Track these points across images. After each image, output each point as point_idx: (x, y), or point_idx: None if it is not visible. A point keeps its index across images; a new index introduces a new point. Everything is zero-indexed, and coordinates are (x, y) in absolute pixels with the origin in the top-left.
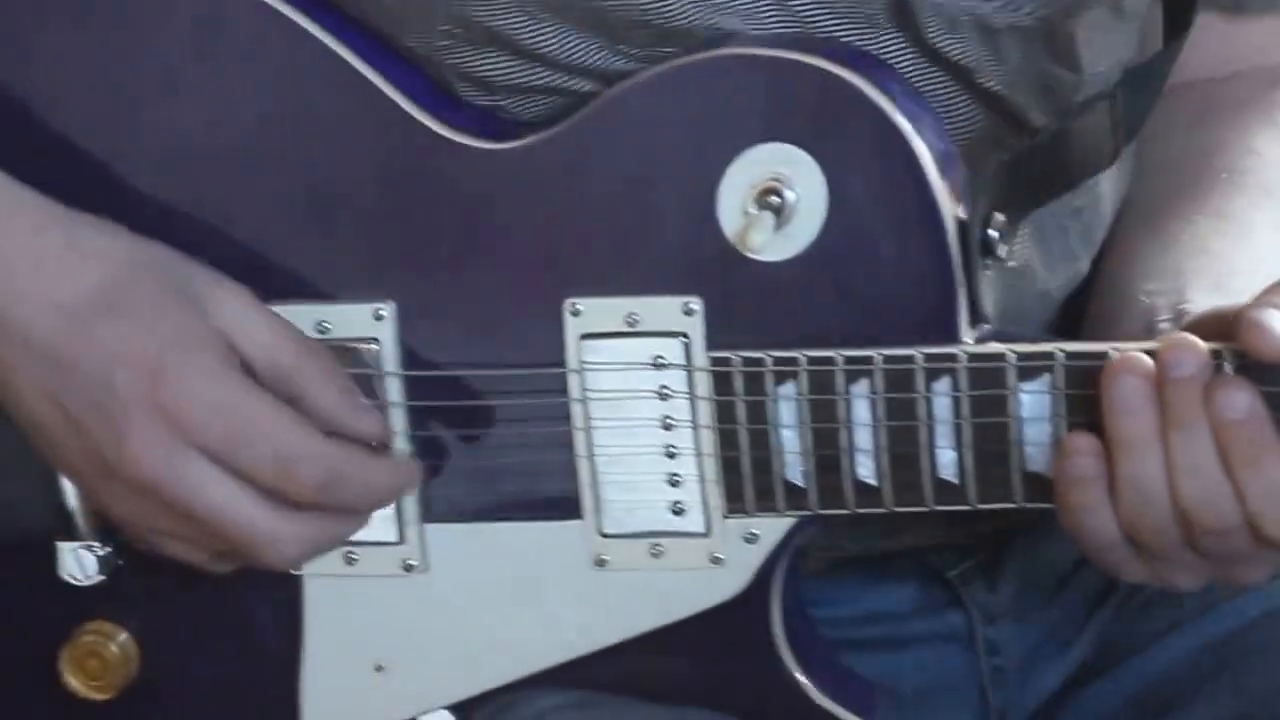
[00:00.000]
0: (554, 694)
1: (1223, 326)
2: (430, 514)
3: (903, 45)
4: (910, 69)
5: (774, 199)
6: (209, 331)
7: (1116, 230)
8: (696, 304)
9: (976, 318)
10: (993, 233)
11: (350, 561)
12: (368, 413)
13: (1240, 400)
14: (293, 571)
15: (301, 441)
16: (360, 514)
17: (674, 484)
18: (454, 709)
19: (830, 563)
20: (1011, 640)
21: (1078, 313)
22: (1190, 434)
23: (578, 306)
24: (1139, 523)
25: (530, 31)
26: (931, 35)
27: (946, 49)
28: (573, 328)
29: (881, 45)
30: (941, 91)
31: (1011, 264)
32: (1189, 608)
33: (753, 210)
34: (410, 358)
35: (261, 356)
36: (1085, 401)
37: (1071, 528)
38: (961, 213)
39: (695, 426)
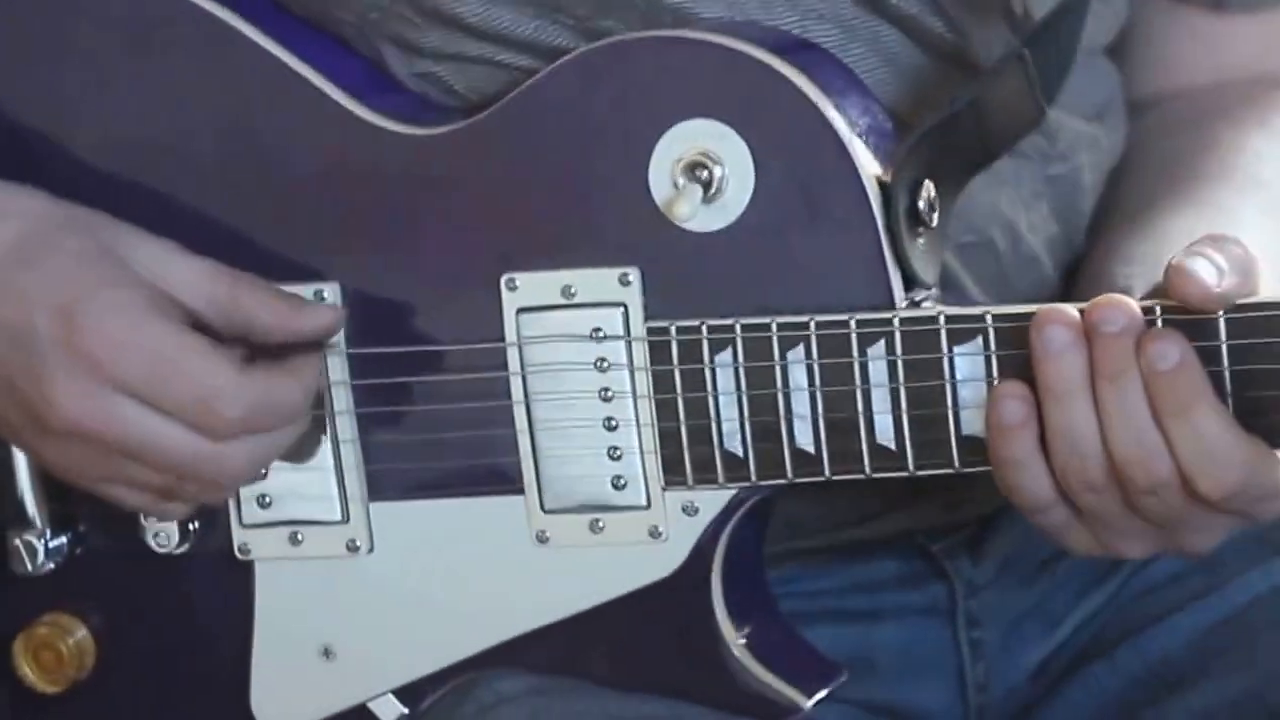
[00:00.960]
0: (511, 678)
1: None
2: (374, 493)
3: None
4: (855, 22)
5: (702, 172)
6: (130, 278)
7: (1100, 228)
8: (633, 274)
9: (913, 283)
10: (921, 203)
11: (295, 542)
12: (315, 311)
13: (1171, 351)
14: (240, 556)
15: (218, 378)
16: (292, 424)
17: (614, 457)
18: (403, 694)
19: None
20: (993, 613)
21: None
22: (1121, 385)
23: (515, 281)
24: (1071, 477)
25: (464, 3)
26: None
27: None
28: (510, 302)
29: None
30: (886, 46)
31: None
32: (1194, 588)
33: (682, 182)
34: (353, 336)
35: (195, 296)
36: (1017, 362)
37: (1007, 487)
38: (885, 178)
39: (634, 397)
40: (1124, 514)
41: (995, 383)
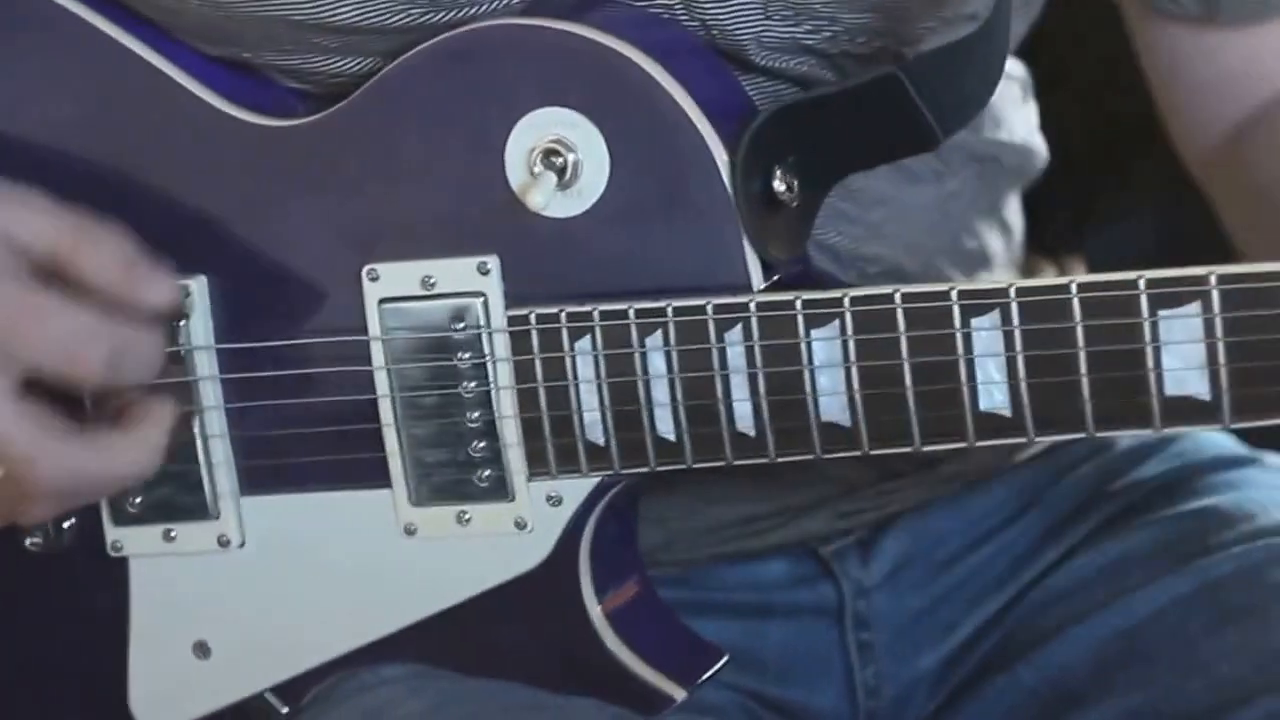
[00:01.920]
0: (387, 667)
1: None
2: (246, 487)
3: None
4: (750, 84)
5: (556, 159)
6: None
7: None
8: (492, 263)
9: (772, 267)
10: (777, 184)
11: (168, 538)
12: (154, 281)
13: None
14: (113, 553)
15: (79, 322)
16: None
17: (477, 449)
18: (281, 691)
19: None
20: (883, 616)
21: None
22: None
23: (375, 272)
24: None
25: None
26: (761, 62)
27: (778, 68)
28: (371, 293)
29: None
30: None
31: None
32: (1095, 600)
33: (538, 170)
34: (221, 331)
35: (38, 244)
36: (875, 346)
37: None
38: (737, 159)
39: (495, 387)
40: None
41: (851, 365)
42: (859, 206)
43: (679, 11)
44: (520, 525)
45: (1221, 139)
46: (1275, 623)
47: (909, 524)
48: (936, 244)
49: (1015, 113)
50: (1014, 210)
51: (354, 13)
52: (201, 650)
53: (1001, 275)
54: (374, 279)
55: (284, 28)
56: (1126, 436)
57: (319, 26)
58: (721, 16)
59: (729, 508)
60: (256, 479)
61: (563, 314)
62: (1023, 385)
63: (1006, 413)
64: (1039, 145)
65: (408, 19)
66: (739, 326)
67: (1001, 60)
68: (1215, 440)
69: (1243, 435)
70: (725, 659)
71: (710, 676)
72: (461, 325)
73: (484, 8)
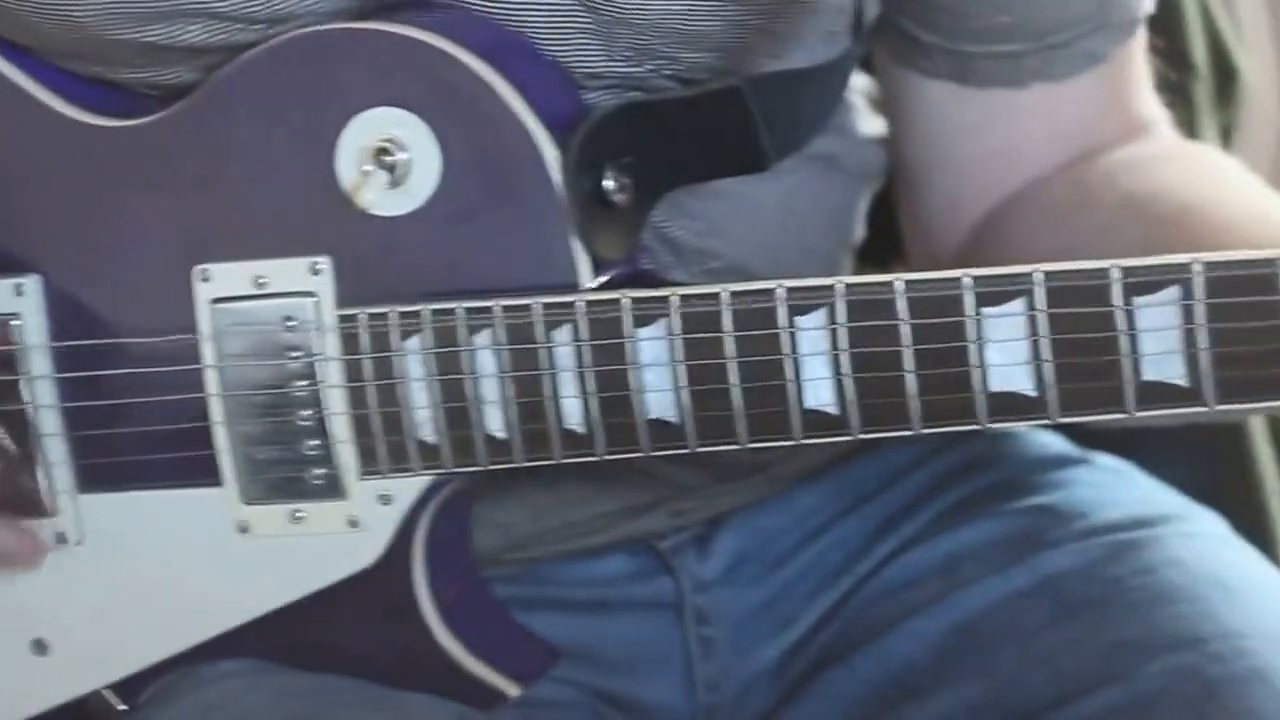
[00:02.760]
0: (225, 663)
1: None
2: (83, 485)
3: None
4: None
5: (387, 158)
6: None
7: None
8: (323, 263)
9: (602, 266)
10: (608, 183)
11: None
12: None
13: None
14: None
15: None
16: None
17: (309, 447)
18: (119, 688)
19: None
20: (723, 611)
21: None
22: None
23: (207, 272)
24: None
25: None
26: (598, 88)
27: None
28: (203, 293)
29: None
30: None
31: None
32: (932, 593)
33: (369, 168)
34: (56, 330)
35: None
36: (702, 345)
37: None
38: (567, 158)
39: (326, 386)
40: None
41: (679, 364)
42: (701, 200)
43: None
44: (353, 524)
45: (975, 222)
46: (1114, 617)
47: (743, 520)
48: (778, 241)
49: (857, 119)
50: (858, 212)
51: (200, 36)
52: (39, 647)
53: (841, 271)
54: (206, 279)
55: (137, 49)
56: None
57: (169, 48)
58: (562, 54)
59: (567, 511)
60: (94, 477)
61: (393, 313)
62: (848, 383)
63: (833, 410)
64: (880, 150)
65: (253, 36)
66: (567, 325)
67: (838, 96)
68: (1047, 440)
69: (1073, 436)
70: (558, 661)
71: (544, 674)
72: (293, 324)
73: (321, 19)
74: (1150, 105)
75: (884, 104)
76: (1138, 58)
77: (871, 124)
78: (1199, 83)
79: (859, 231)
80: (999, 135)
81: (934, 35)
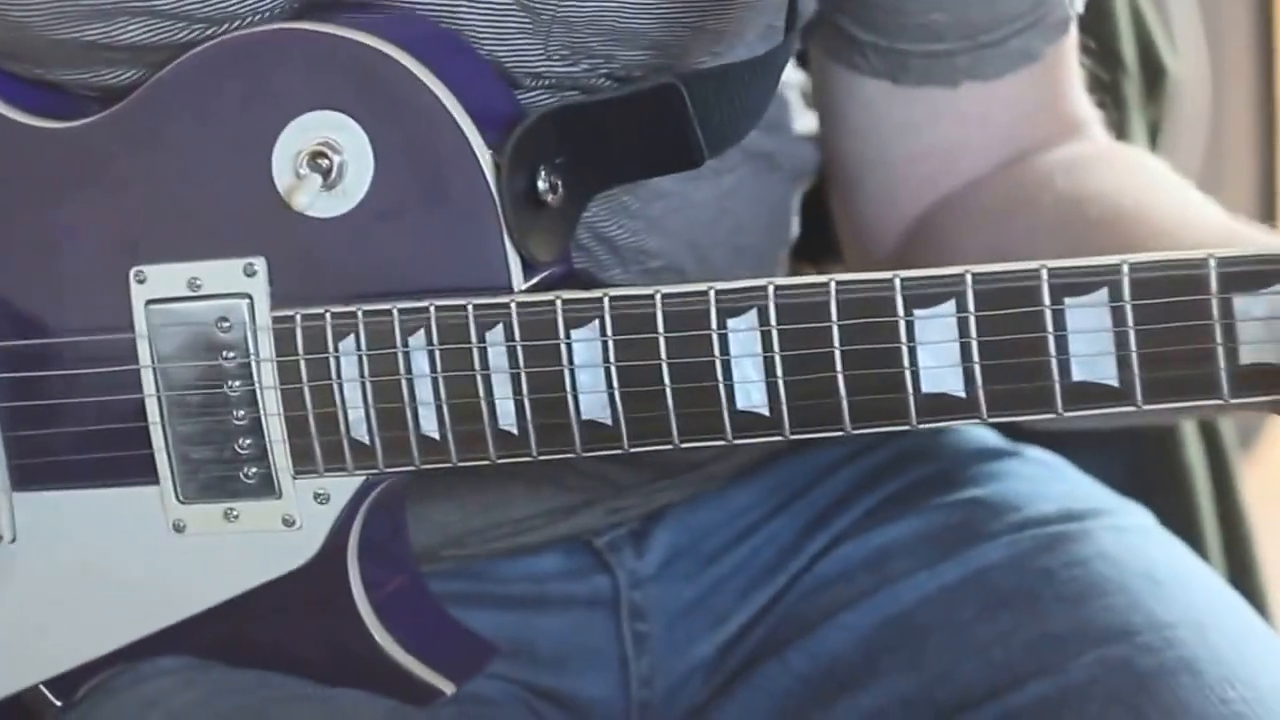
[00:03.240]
0: (162, 660)
1: None
2: (18, 483)
3: None
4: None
5: (323, 161)
6: None
7: None
8: (258, 265)
9: (535, 268)
10: (541, 184)
11: None
12: None
13: None
14: None
15: None
16: None
17: (244, 446)
18: (54, 685)
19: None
20: (658, 607)
21: None
22: None
23: (143, 273)
24: None
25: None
26: (534, 87)
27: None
28: (139, 294)
29: None
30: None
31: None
32: (863, 587)
33: (304, 171)
34: None
35: None
36: (635, 346)
37: None
38: (500, 160)
39: (261, 387)
40: None
41: (611, 365)
42: (639, 200)
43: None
44: (288, 522)
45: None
46: (1045, 609)
47: (677, 517)
48: (715, 240)
49: (793, 116)
50: (792, 210)
51: (140, 34)
52: None
53: (775, 268)
54: (141, 280)
55: (77, 48)
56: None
57: (110, 45)
58: (500, 53)
59: (503, 509)
60: (29, 475)
61: (327, 314)
62: (780, 384)
63: (764, 411)
64: (814, 148)
65: (193, 35)
66: (500, 326)
67: (773, 90)
68: (978, 434)
69: (1004, 429)
70: (494, 658)
71: (480, 671)
72: (227, 325)
73: (262, 18)
74: (1083, 105)
75: (818, 102)
76: (1070, 58)
77: (806, 121)
78: (1129, 81)
79: (794, 229)
80: (933, 135)
81: (870, 33)
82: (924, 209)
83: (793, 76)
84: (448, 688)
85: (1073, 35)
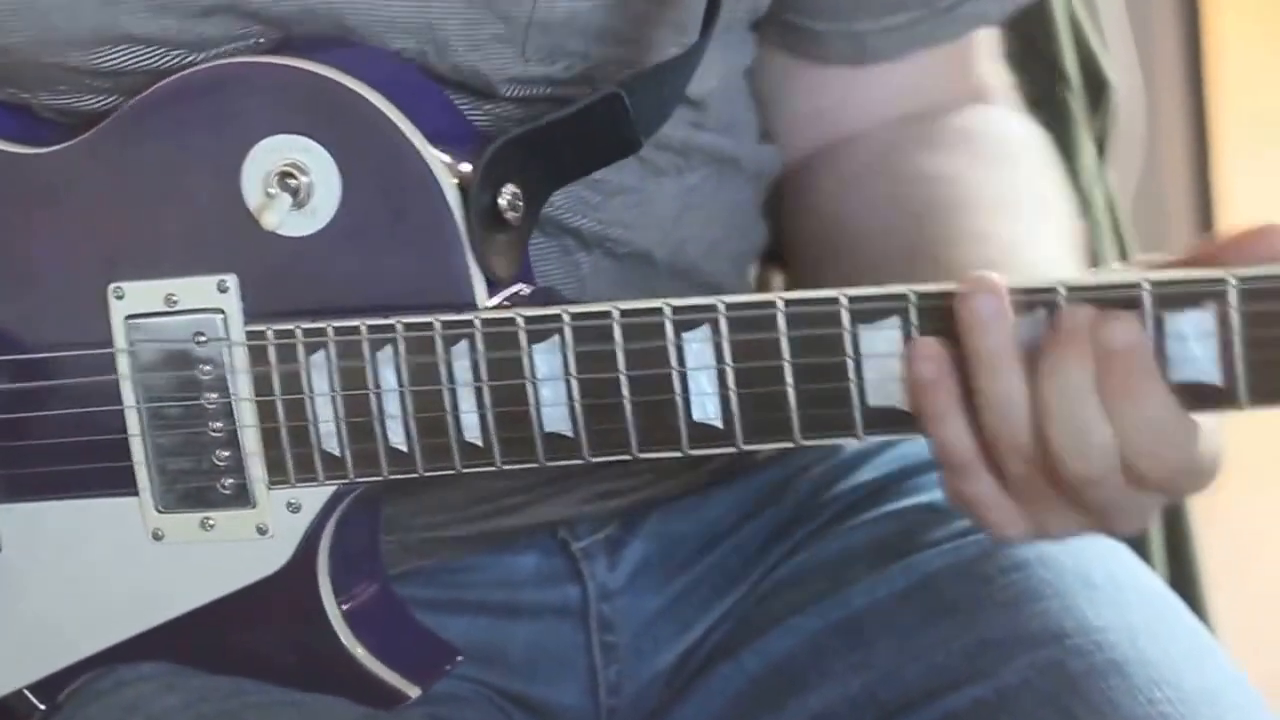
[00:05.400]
0: (144, 665)
1: None
2: (2, 495)
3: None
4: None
5: (291, 181)
6: None
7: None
8: (230, 281)
9: (497, 284)
10: (502, 201)
11: None
12: None
13: (1129, 330)
14: None
15: None
16: None
17: (220, 458)
18: (37, 689)
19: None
20: (626, 618)
21: None
22: (1063, 367)
23: (121, 290)
24: (1001, 442)
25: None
26: (508, 93)
27: (523, 96)
28: (117, 310)
29: None
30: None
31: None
32: (815, 592)
33: (274, 191)
34: None
35: None
36: (595, 358)
37: (934, 443)
38: (463, 183)
39: (235, 399)
40: (1053, 491)
41: (572, 378)
42: (601, 194)
43: (430, 58)
44: (262, 531)
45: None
46: (984, 615)
47: (655, 525)
48: (685, 234)
49: (754, 119)
50: (758, 210)
51: (121, 59)
52: None
53: (747, 269)
54: (120, 297)
55: (61, 73)
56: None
57: (93, 71)
58: (475, 59)
59: (485, 482)
60: (13, 487)
61: (298, 329)
62: (733, 396)
63: (718, 423)
64: (775, 150)
65: (171, 61)
66: (465, 341)
67: (690, 75)
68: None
69: None
70: (459, 661)
71: (445, 674)
72: (203, 339)
73: (237, 47)
74: (990, 74)
75: (771, 104)
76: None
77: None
78: (1073, 95)
79: (763, 229)
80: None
81: (827, 22)
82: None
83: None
84: (412, 691)
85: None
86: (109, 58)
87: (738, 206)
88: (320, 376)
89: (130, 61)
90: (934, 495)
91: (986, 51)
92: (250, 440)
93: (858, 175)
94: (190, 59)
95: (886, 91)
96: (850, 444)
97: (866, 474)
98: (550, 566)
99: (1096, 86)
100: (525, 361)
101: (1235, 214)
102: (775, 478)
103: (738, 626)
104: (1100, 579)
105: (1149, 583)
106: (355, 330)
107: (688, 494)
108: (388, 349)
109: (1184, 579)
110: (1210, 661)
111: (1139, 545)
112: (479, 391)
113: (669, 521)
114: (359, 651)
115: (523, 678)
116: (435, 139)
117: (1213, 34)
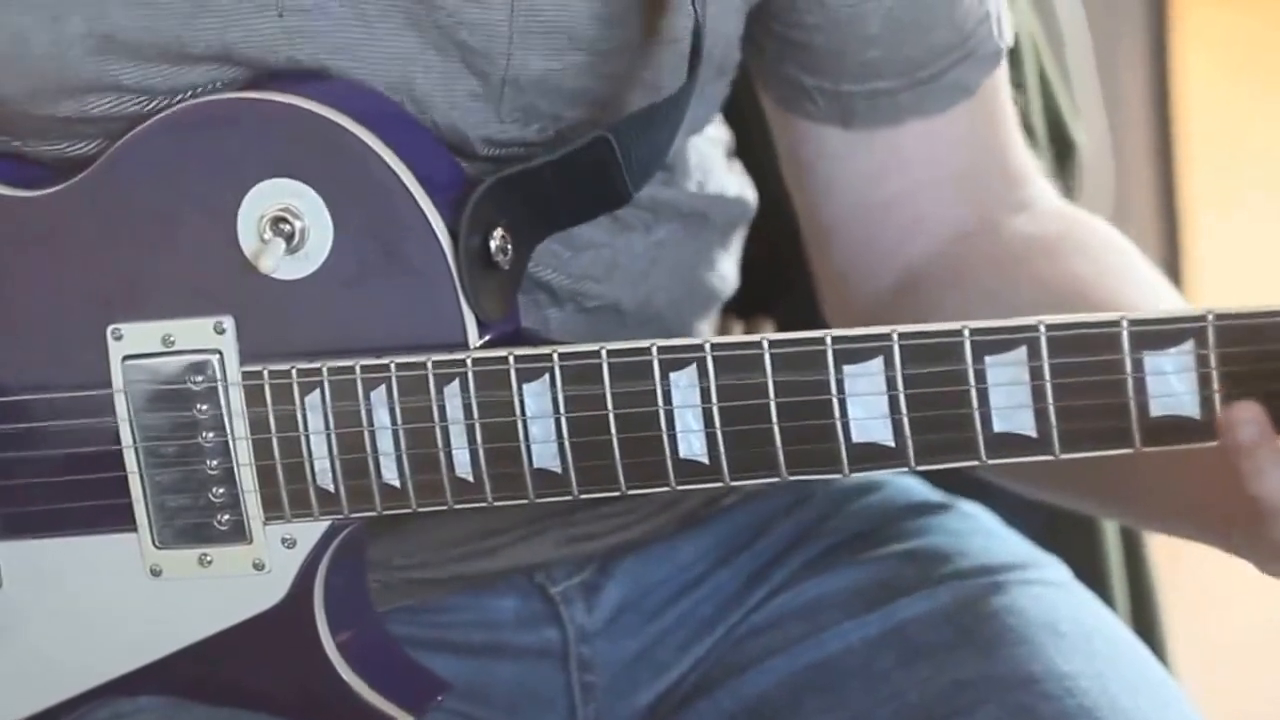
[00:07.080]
0: (142, 698)
1: None
2: (2, 532)
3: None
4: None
5: (285, 226)
6: None
7: None
8: (227, 323)
9: (488, 325)
10: (492, 244)
11: None
12: None
13: None
14: None
15: None
16: None
17: (216, 495)
18: None
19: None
20: (604, 659)
21: None
22: None
23: (119, 331)
24: None
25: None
26: (484, 153)
27: (498, 156)
28: (115, 351)
29: None
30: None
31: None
32: (793, 634)
33: (268, 236)
34: None
35: None
36: (584, 399)
37: (1253, 495)
38: (455, 225)
39: (232, 438)
40: None
41: (561, 416)
42: (571, 249)
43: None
44: (258, 566)
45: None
46: (957, 659)
47: (629, 570)
48: (654, 284)
49: (721, 173)
50: (728, 258)
51: (109, 106)
52: None
53: (713, 314)
54: (118, 338)
55: (53, 122)
56: (830, 481)
57: (83, 119)
58: (454, 117)
59: (462, 524)
60: (13, 524)
61: (294, 370)
62: (719, 434)
63: (704, 460)
64: (747, 200)
65: (155, 105)
66: (456, 381)
67: (679, 124)
68: (912, 488)
69: (938, 482)
70: (449, 690)
71: (435, 704)
72: (200, 380)
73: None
74: (1023, 154)
75: (784, 159)
76: (1004, 96)
77: (732, 176)
78: (1039, 153)
79: (731, 278)
80: (894, 180)
81: (815, 77)
82: (910, 260)
83: (719, 134)
84: (407, 719)
85: (1004, 70)
86: (98, 105)
87: (705, 258)
88: (315, 416)
89: (118, 108)
90: (911, 543)
91: (1014, 124)
92: (246, 478)
93: (995, 286)
94: (173, 101)
95: (927, 158)
96: (836, 479)
97: (846, 517)
98: (529, 610)
99: (1062, 148)
100: (516, 400)
101: (1203, 272)
102: (749, 521)
103: (715, 668)
104: (1067, 627)
105: (1116, 630)
106: (350, 370)
107: (660, 539)
108: (381, 389)
109: (1146, 626)
110: (1175, 709)
111: (1103, 592)
112: (470, 429)
113: (644, 566)
114: (356, 682)
115: (505, 715)
116: (428, 184)
117: (1181, 93)
